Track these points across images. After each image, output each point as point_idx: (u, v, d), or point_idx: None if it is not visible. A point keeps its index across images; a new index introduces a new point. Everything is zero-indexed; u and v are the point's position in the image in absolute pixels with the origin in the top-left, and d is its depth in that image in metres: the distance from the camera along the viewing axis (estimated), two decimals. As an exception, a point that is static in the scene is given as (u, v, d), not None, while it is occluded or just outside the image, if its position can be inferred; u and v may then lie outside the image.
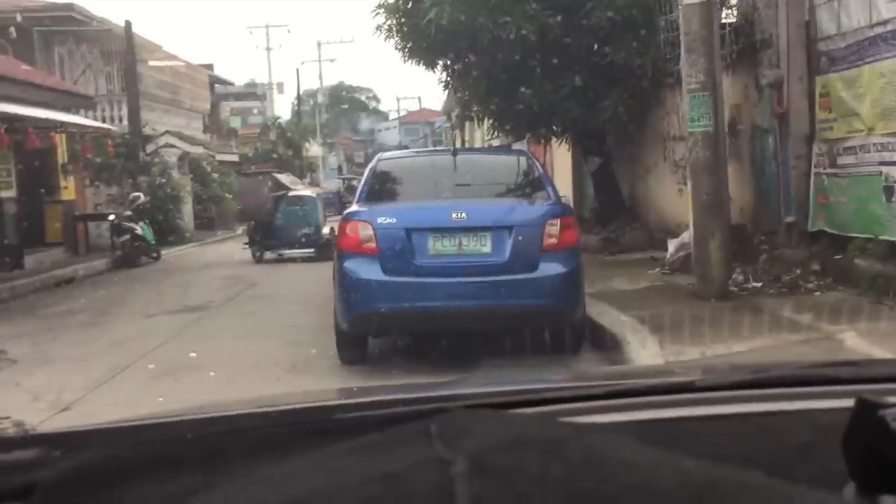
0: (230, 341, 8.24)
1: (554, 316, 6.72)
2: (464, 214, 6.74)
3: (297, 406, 1.41)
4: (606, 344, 7.14)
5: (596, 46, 12.71)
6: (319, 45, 62.87)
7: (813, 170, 9.40)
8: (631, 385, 1.42)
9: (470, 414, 0.96)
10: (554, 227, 6.76)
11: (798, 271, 8.76)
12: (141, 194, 19.64)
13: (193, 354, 7.51)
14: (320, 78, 63.12)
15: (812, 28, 9.33)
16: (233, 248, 22.50)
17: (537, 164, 7.96)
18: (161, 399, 5.91)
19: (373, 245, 6.71)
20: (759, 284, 8.77)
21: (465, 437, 0.82)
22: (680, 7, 9.11)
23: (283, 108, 76.15)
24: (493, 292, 6.61)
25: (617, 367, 5.96)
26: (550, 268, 6.70)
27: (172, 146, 26.97)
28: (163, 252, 19.30)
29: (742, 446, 1.12)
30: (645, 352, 6.44)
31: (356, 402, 1.46)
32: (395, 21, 13.65)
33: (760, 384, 1.33)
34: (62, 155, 19.15)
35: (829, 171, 9.09)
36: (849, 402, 0.91)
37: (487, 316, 6.54)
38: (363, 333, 7.03)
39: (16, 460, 1.08)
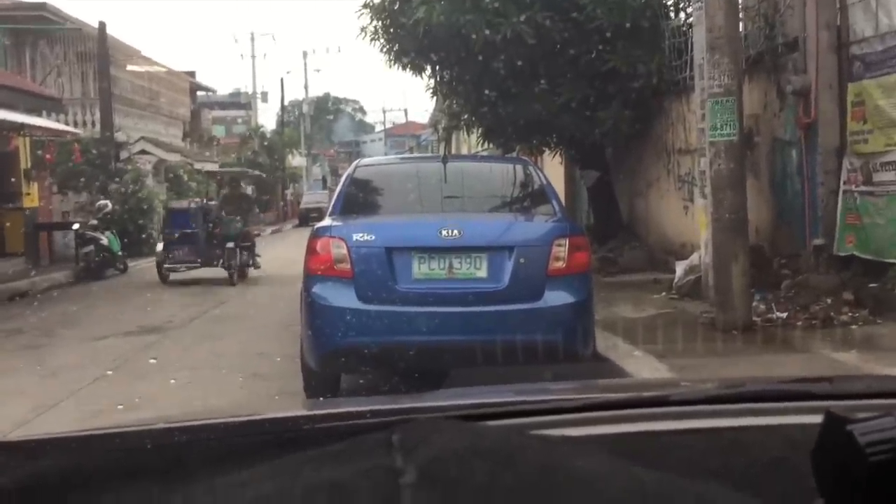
0: (182, 372, 7.14)
1: (560, 353, 5.64)
2: (455, 232, 5.69)
3: (263, 417, 1.38)
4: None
5: (594, 53, 11.80)
6: (305, 54, 61.62)
7: (842, 186, 8.43)
8: (604, 399, 1.39)
9: (432, 424, 0.95)
10: (561, 249, 5.71)
11: (829, 301, 7.77)
12: (108, 202, 18.55)
13: (134, 393, 6.41)
14: (305, 88, 61.82)
15: (844, 30, 8.39)
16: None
17: (540, 173, 6.90)
18: None
19: (347, 267, 5.64)
20: (784, 315, 7.79)
21: (423, 446, 0.82)
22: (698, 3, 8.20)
23: (267, 118, 75.04)
24: (488, 325, 5.56)
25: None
26: (557, 296, 5.66)
27: (147, 153, 25.92)
28: (131, 264, 18.22)
29: (715, 461, 1.10)
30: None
31: (323, 413, 1.40)
32: (381, 22, 12.73)
33: (734, 399, 1.31)
34: (25, 160, 18.04)
35: (862, 188, 8.12)
36: (821, 418, 0.84)
37: (481, 353, 5.46)
38: (334, 371, 5.96)
39: None
